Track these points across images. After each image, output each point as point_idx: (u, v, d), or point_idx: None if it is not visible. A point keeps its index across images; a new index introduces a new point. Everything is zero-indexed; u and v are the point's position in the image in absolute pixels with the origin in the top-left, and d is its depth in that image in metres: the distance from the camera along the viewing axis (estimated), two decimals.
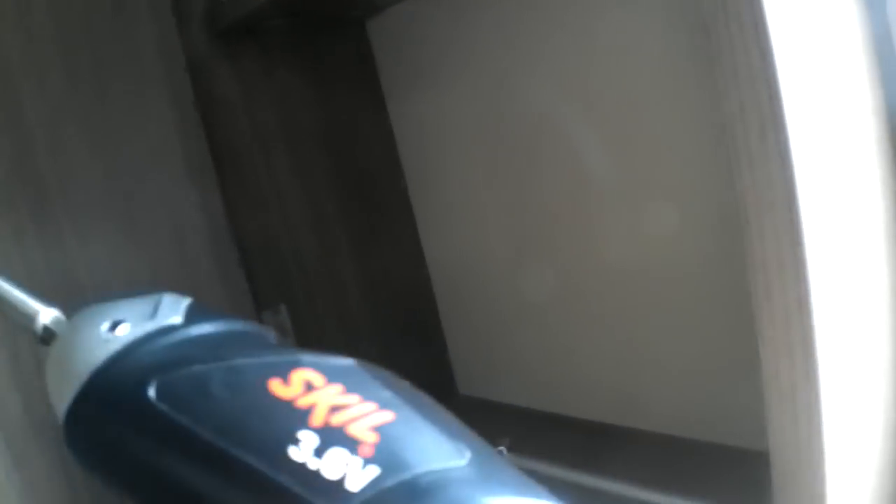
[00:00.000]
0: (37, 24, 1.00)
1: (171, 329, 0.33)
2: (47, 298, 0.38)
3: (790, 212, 0.53)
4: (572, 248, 1.09)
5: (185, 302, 0.35)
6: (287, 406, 0.28)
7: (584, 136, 1.02)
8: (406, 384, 0.31)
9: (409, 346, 1.32)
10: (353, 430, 0.27)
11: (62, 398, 0.32)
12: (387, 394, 0.29)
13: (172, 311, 0.34)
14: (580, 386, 1.15)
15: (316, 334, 1.20)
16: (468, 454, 0.27)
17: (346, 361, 0.31)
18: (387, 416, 0.28)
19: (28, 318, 0.37)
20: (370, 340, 1.27)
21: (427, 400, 0.31)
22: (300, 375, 0.29)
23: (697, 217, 0.92)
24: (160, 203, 1.10)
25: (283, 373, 0.29)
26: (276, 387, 0.28)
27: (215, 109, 1.13)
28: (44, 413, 0.97)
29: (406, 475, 0.25)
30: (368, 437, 0.26)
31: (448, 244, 1.31)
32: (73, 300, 0.37)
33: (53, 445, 0.98)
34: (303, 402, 0.28)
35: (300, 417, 0.27)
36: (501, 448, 1.06)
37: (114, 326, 0.33)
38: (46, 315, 0.37)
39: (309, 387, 0.28)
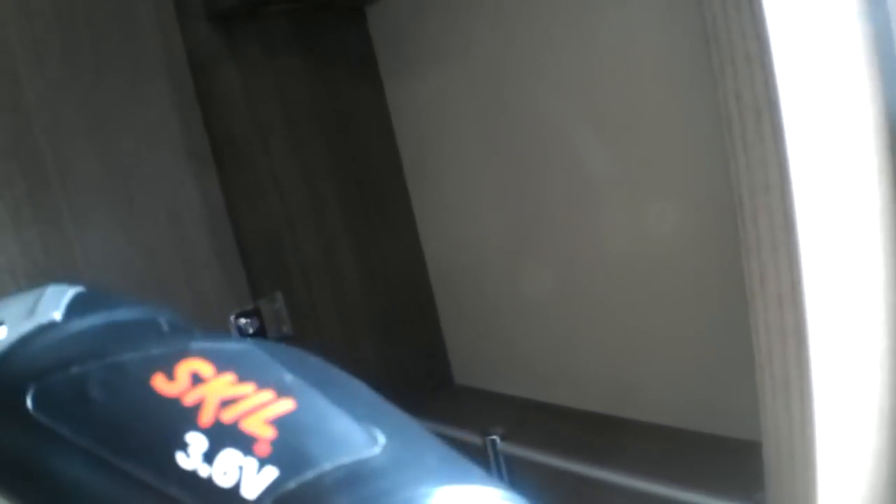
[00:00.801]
0: (35, 3, 1.00)
1: (49, 327, 0.30)
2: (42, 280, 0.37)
3: (784, 195, 0.53)
4: (569, 238, 1.09)
5: (70, 293, 0.32)
6: (173, 404, 0.25)
7: (583, 128, 1.02)
8: (314, 361, 0.29)
9: (406, 335, 1.32)
10: (247, 426, 0.24)
11: None
12: (287, 378, 0.26)
13: (53, 305, 0.31)
14: (576, 376, 1.15)
15: (313, 323, 1.20)
16: (381, 440, 0.24)
17: (241, 344, 0.28)
18: (285, 405, 0.25)
19: None
20: (367, 329, 1.27)
21: (338, 378, 0.28)
22: (186, 367, 0.26)
23: (694, 209, 0.92)
24: (158, 187, 1.10)
25: (169, 366, 0.26)
26: (160, 383, 0.26)
27: (214, 94, 1.13)
28: None
29: (308, 475, 0.23)
30: (264, 433, 0.24)
31: (445, 234, 1.31)
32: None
33: None
34: (190, 399, 0.25)
35: (187, 417, 0.24)
36: (494, 437, 1.06)
37: None
38: None
39: (196, 379, 0.26)
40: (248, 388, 0.25)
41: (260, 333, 1.15)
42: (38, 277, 0.97)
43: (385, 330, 1.29)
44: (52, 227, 1.00)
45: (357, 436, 0.24)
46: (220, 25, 1.12)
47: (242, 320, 1.15)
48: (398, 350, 1.31)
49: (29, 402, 0.26)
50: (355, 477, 0.23)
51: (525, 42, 1.04)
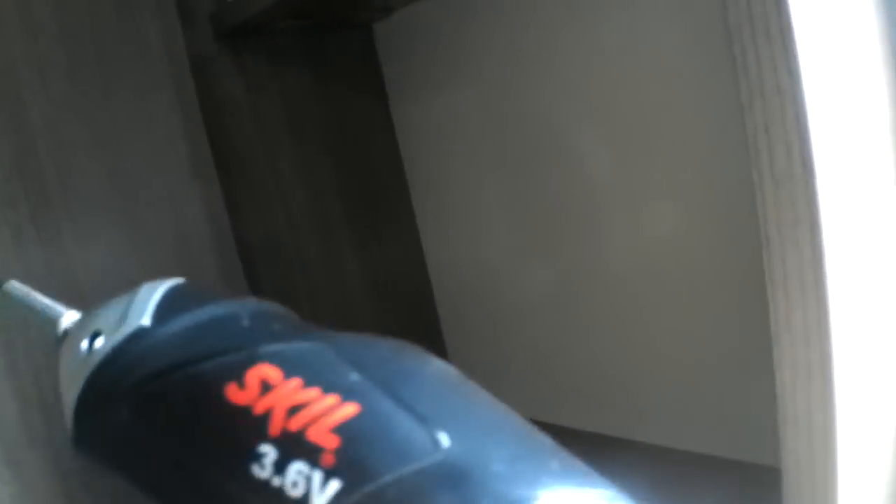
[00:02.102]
0: (40, 20, 0.99)
1: (138, 335, 0.31)
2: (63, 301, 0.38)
3: (813, 231, 0.52)
4: (575, 251, 1.08)
5: (159, 294, 0.33)
6: (245, 414, 0.26)
7: (590, 142, 1.01)
8: (386, 351, 0.29)
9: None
10: (313, 435, 0.24)
11: (65, 417, 0.32)
12: (353, 377, 0.26)
13: (142, 309, 0.32)
14: (581, 395, 1.14)
15: None
16: (446, 443, 0.24)
17: (312, 344, 0.29)
18: (349, 409, 0.25)
19: (51, 322, 0.37)
20: None
21: (407, 364, 0.29)
22: (256, 373, 0.27)
23: (704, 223, 0.91)
24: (163, 203, 1.09)
25: (240, 374, 0.27)
26: (233, 392, 0.27)
27: (220, 110, 1.12)
28: (41, 422, 0.96)
29: (370, 486, 0.23)
30: (329, 442, 0.24)
31: (449, 249, 1.30)
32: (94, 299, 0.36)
33: (49, 454, 0.97)
34: (260, 407, 0.26)
35: (259, 427, 0.25)
36: None
37: (93, 339, 0.32)
38: (67, 319, 0.37)
39: (265, 387, 0.26)
40: (313, 392, 0.26)
41: None
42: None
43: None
44: (55, 246, 0.99)
45: (419, 441, 0.24)
46: (226, 42, 1.11)
47: None
48: None
49: (125, 414, 0.29)
50: (421, 487, 0.23)
51: (532, 58, 1.04)
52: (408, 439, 0.24)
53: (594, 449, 1.07)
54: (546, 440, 0.26)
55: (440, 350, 1.36)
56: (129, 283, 0.97)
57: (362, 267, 1.26)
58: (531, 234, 1.14)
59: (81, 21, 1.03)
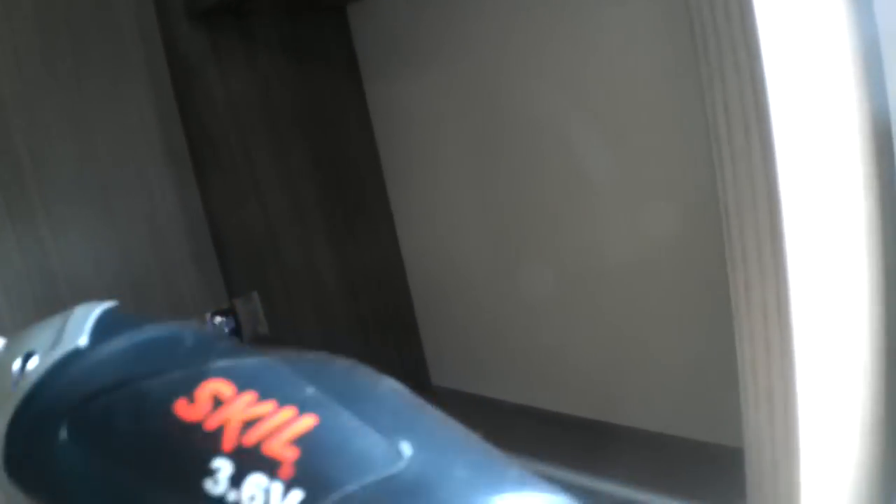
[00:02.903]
0: (15, 2, 0.98)
1: (76, 354, 0.30)
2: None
3: (771, 207, 0.53)
4: (549, 241, 1.08)
5: (95, 314, 0.32)
6: (196, 430, 0.25)
7: (566, 130, 1.01)
8: (338, 368, 0.29)
9: (384, 336, 1.32)
10: (271, 448, 0.24)
11: None
12: (309, 391, 0.26)
13: (78, 329, 0.31)
14: (556, 380, 1.15)
15: (293, 324, 1.19)
16: (408, 452, 0.23)
17: (263, 360, 0.28)
18: (307, 422, 0.25)
19: None
20: (346, 330, 1.26)
21: (363, 384, 0.28)
22: (207, 389, 0.26)
23: (684, 215, 0.92)
24: (136, 189, 1.08)
25: (189, 390, 0.26)
26: (182, 409, 0.26)
27: (193, 94, 1.11)
28: None
29: (334, 496, 0.22)
30: (287, 454, 0.24)
31: (424, 237, 1.30)
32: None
33: None
34: (212, 423, 0.25)
35: (211, 443, 0.24)
36: None
37: (25, 359, 0.31)
38: None
39: (217, 402, 0.26)
40: (268, 406, 0.25)
41: (235, 333, 1.14)
42: (12, 280, 0.95)
43: (362, 331, 1.29)
44: (29, 230, 0.98)
45: (381, 451, 0.24)
46: (200, 24, 1.10)
47: (218, 318, 1.14)
48: (375, 351, 1.30)
49: (63, 435, 0.27)
50: (384, 495, 0.22)
51: (507, 42, 1.04)
52: (370, 449, 0.24)
53: (569, 430, 1.08)
54: (499, 453, 0.25)
55: (415, 340, 1.37)
56: (101, 267, 0.97)
57: (336, 255, 1.25)
58: (506, 224, 1.14)
59: (56, 3, 1.02)
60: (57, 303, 1.01)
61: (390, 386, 0.28)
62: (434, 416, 0.27)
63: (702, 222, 0.86)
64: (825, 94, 0.57)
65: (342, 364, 0.29)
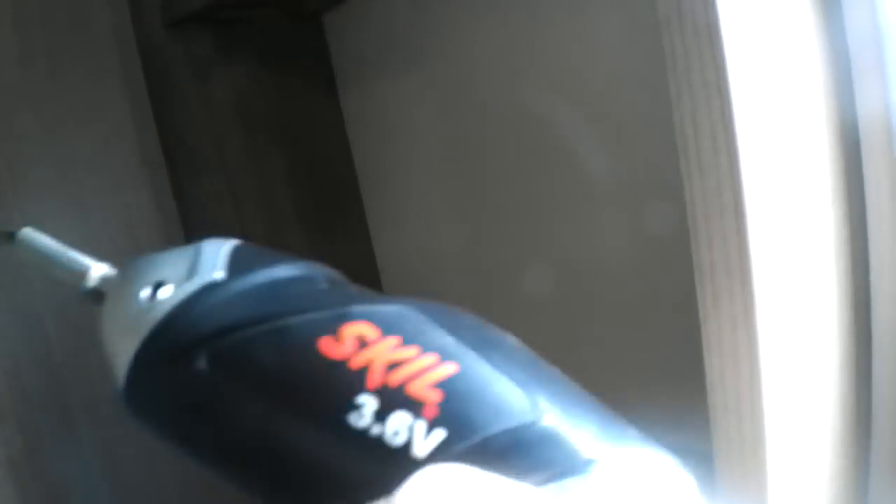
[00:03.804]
0: None
1: (214, 286, 0.30)
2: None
3: (738, 219, 0.53)
4: (527, 248, 1.09)
5: (227, 248, 0.32)
6: (341, 368, 0.26)
7: (541, 132, 1.01)
8: (470, 321, 0.29)
9: None
10: (415, 389, 0.25)
11: (116, 373, 0.30)
12: (449, 340, 0.26)
13: (213, 263, 0.31)
14: None
15: None
16: (544, 405, 0.24)
17: (403, 307, 0.28)
18: (449, 368, 0.25)
19: (76, 275, 0.34)
20: None
21: (495, 339, 0.29)
22: (352, 330, 0.27)
23: (654, 220, 0.92)
24: (112, 194, 1.08)
25: (334, 329, 0.27)
26: (327, 346, 0.26)
27: (169, 99, 1.11)
28: None
29: (476, 438, 0.23)
30: (431, 396, 0.24)
31: (399, 243, 1.30)
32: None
33: None
34: (357, 362, 0.26)
35: (356, 380, 0.25)
36: None
37: (155, 289, 0.30)
38: (97, 272, 0.34)
39: (362, 343, 0.26)
40: (412, 351, 0.26)
41: None
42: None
43: None
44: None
45: (520, 401, 0.25)
46: (176, 32, 1.10)
47: None
48: None
49: (202, 364, 0.27)
50: (521, 442, 0.23)
51: (484, 50, 1.04)
52: (508, 398, 0.25)
53: None
54: (602, 405, 0.27)
55: None
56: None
57: (312, 258, 1.25)
58: (482, 229, 1.14)
59: (32, 7, 1.02)
60: (33, 311, 1.00)
61: (515, 340, 0.29)
62: (557, 372, 0.28)
63: (675, 228, 0.87)
64: (793, 106, 0.58)
65: (472, 316, 0.30)
